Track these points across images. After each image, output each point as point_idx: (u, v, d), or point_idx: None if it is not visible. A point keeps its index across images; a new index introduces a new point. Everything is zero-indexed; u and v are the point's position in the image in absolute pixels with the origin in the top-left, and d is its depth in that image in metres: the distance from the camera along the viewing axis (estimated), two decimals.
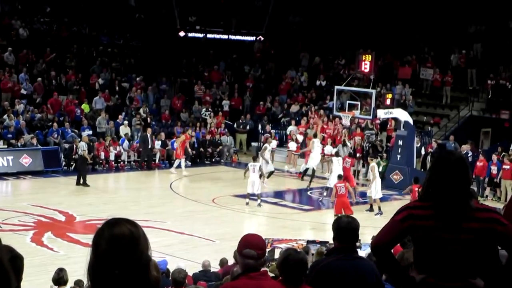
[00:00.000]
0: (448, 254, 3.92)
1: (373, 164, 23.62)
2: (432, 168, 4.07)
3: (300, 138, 31.51)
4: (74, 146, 27.70)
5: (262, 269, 4.46)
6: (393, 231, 4.05)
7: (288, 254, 4.95)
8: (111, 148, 29.26)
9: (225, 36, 39.01)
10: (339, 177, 21.74)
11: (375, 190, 23.02)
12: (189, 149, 30.29)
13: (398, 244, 8.99)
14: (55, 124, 29.25)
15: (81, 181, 25.35)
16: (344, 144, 29.26)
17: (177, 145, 29.17)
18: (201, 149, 31.86)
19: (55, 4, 37.46)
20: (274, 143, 30.27)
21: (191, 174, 28.94)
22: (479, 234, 3.91)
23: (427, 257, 3.98)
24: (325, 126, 31.84)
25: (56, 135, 28.80)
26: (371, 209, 23.04)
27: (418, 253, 4.07)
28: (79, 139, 27.75)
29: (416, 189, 20.94)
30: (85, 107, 32.07)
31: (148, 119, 32.70)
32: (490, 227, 3.91)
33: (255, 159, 24.66)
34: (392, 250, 4.13)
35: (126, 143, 29.95)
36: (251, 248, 4.33)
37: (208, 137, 32.57)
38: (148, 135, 29.54)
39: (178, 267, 11.23)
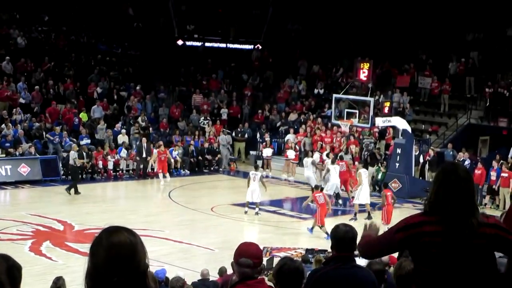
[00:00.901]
0: (454, 269, 3.87)
1: (360, 171, 23.68)
2: (438, 182, 3.97)
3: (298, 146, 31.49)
4: None
5: (259, 277, 4.45)
6: (386, 242, 4.02)
7: (284, 263, 4.95)
8: (109, 157, 29.24)
9: (223, 45, 39.14)
10: (316, 187, 22.13)
11: (357, 195, 23.21)
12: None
13: (396, 255, 8.99)
14: (57, 128, 29.29)
15: (74, 190, 25.22)
16: (346, 152, 29.28)
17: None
18: (200, 157, 31.87)
19: (53, 13, 37.51)
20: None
21: (189, 183, 28.91)
22: (485, 248, 3.88)
23: (430, 273, 3.91)
24: (323, 135, 31.86)
25: (57, 139, 28.74)
26: (369, 217, 23.00)
27: (419, 269, 3.99)
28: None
29: (388, 193, 21.19)
30: (83, 116, 32.04)
31: (150, 128, 32.71)
32: (497, 241, 3.89)
33: (256, 168, 24.68)
34: (388, 257, 4.12)
35: (124, 151, 29.93)
36: (247, 257, 4.33)
37: (206, 145, 32.55)
38: (144, 144, 29.50)
39: (176, 276, 11.25)
